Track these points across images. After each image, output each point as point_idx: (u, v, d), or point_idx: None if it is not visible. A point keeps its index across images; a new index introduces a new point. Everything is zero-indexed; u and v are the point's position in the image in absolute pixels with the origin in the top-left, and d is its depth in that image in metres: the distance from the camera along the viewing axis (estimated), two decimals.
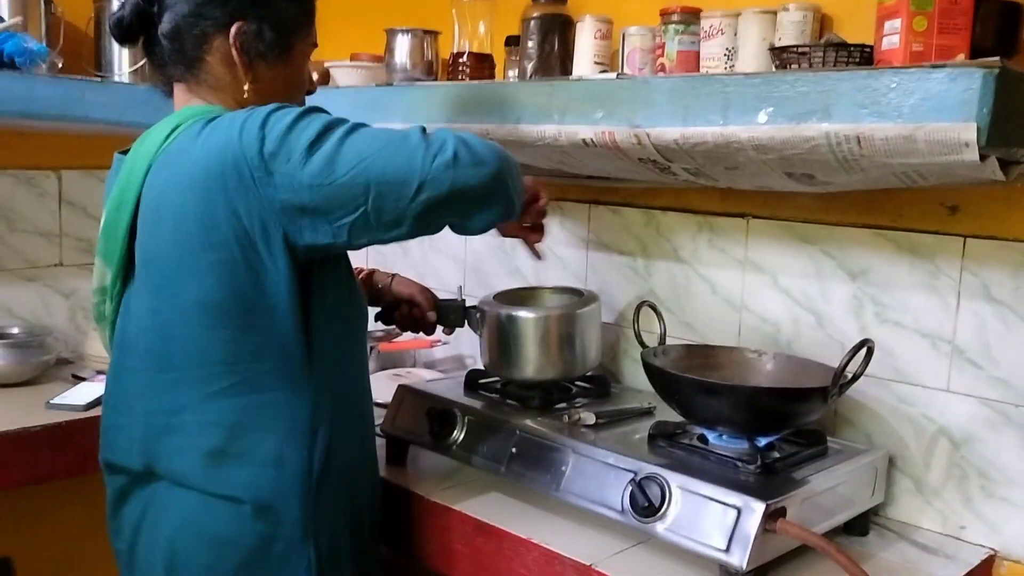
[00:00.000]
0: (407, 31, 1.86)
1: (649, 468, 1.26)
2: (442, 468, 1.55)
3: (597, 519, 1.30)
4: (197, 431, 1.20)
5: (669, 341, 1.60)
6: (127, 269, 1.25)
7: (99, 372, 1.98)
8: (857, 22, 1.42)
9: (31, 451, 1.70)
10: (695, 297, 1.69)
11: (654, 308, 1.62)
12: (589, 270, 1.87)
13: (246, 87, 1.26)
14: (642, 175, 1.49)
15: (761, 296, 1.60)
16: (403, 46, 1.86)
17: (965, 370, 1.38)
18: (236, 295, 1.16)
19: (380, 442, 1.48)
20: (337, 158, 1.10)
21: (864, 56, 1.26)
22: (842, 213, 1.50)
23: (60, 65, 1.94)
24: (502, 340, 1.55)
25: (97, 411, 1.36)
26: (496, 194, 1.18)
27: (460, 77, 1.77)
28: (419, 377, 2.00)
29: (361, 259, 2.24)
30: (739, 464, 1.27)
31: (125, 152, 1.29)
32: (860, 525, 1.38)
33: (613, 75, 1.47)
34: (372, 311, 1.54)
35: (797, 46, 1.34)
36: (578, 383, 1.65)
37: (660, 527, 1.21)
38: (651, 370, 1.40)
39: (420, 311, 1.60)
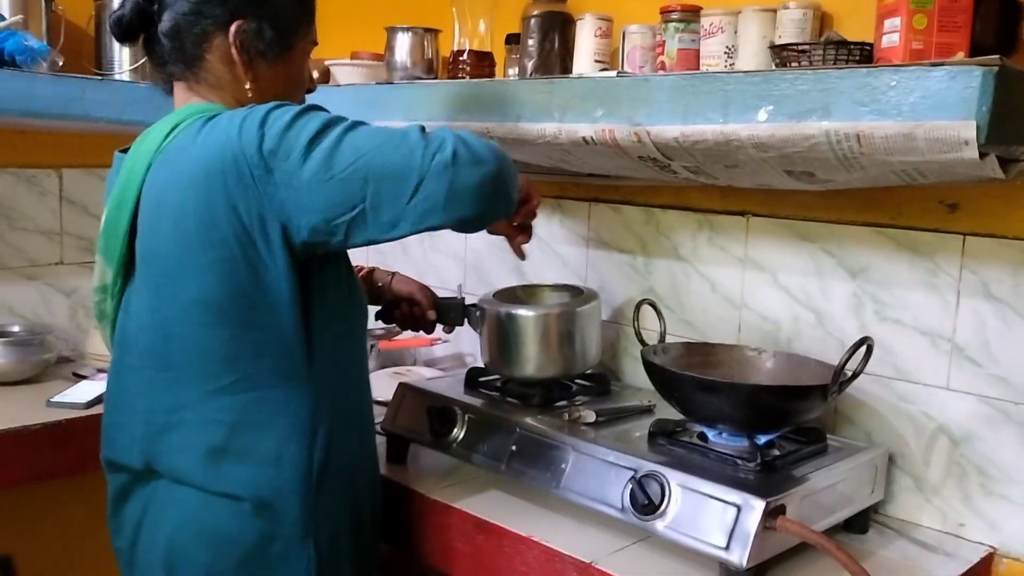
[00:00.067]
0: (407, 29, 1.86)
1: (649, 466, 1.26)
2: (442, 466, 1.55)
3: (597, 517, 1.30)
4: (197, 429, 1.20)
5: (669, 339, 1.60)
6: (128, 267, 1.25)
7: (100, 370, 1.98)
8: (857, 20, 1.42)
9: (32, 449, 1.70)
10: (695, 295, 1.70)
11: (654, 306, 1.62)
12: (589, 268, 1.87)
13: (247, 86, 1.26)
14: (642, 173, 1.49)
15: (761, 294, 1.60)
16: (403, 44, 1.86)
17: (965, 368, 1.38)
18: (236, 293, 1.16)
19: (380, 440, 1.48)
20: (336, 155, 1.11)
21: (864, 54, 1.26)
22: (842, 211, 1.50)
23: (61, 63, 1.94)
24: (502, 338, 1.55)
25: (98, 409, 1.36)
26: (494, 193, 1.18)
27: (460, 75, 1.77)
28: (419, 375, 2.00)
29: (361, 257, 2.24)
30: (739, 462, 1.27)
31: (125, 150, 1.29)
32: (860, 523, 1.38)
33: (613, 73, 1.47)
34: (372, 309, 1.54)
35: (797, 44, 1.34)
36: (578, 381, 1.65)
37: (660, 525, 1.21)
38: (651, 368, 1.40)
39: (420, 309, 1.60)
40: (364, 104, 1.70)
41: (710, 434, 1.36)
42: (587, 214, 1.86)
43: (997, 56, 0.95)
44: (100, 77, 1.99)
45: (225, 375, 1.19)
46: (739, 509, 1.16)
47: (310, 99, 1.37)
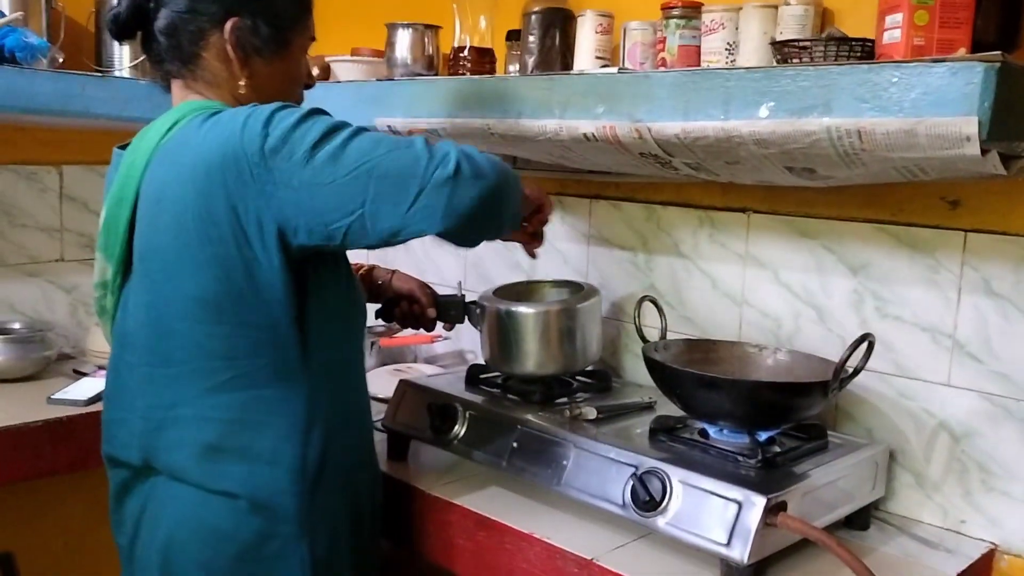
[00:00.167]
0: (408, 26, 1.85)
1: (650, 462, 1.26)
2: (443, 463, 1.55)
3: (598, 513, 1.30)
4: (193, 426, 1.20)
5: (670, 336, 1.60)
6: (127, 263, 1.25)
7: (100, 367, 1.98)
8: (858, 16, 1.42)
9: (33, 446, 1.70)
10: (696, 292, 1.70)
11: (655, 303, 1.62)
12: (590, 265, 1.87)
13: (241, 83, 1.26)
14: (643, 169, 1.49)
15: (762, 291, 1.60)
16: (404, 41, 1.86)
17: (966, 364, 1.38)
18: (231, 290, 1.16)
19: (380, 437, 1.48)
20: (340, 159, 1.11)
21: (865, 50, 1.26)
22: (843, 207, 1.50)
23: (61, 60, 1.94)
24: (502, 335, 1.55)
25: (98, 406, 1.36)
26: (492, 210, 1.19)
27: (461, 72, 1.77)
28: (420, 372, 2.00)
29: (361, 255, 2.24)
30: (740, 458, 1.27)
31: (124, 147, 1.29)
32: (861, 519, 1.38)
33: (614, 70, 1.47)
34: (372, 307, 1.54)
35: (798, 40, 1.34)
36: (579, 378, 1.65)
37: (661, 521, 1.21)
38: (652, 364, 1.40)
39: (420, 307, 1.60)
40: (365, 101, 1.70)
41: (711, 431, 1.36)
42: (588, 211, 1.86)
43: (999, 52, 0.95)
44: (100, 74, 1.99)
45: (221, 372, 1.19)
46: (740, 505, 1.16)
47: (309, 96, 1.37)
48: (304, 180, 1.11)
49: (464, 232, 1.20)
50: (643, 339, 1.55)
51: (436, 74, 1.89)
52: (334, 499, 1.26)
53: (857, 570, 1.09)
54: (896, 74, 1.01)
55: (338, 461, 1.26)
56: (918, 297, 1.42)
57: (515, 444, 1.41)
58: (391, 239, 1.15)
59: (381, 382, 1.85)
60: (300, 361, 1.21)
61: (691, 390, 1.35)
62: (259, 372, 1.20)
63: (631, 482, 1.25)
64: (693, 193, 1.68)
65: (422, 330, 1.65)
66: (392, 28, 1.87)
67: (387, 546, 1.46)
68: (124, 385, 1.27)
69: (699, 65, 1.50)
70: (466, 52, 1.78)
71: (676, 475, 1.23)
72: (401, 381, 1.64)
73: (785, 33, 1.41)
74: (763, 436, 1.32)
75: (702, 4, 1.51)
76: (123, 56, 2.04)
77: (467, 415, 1.50)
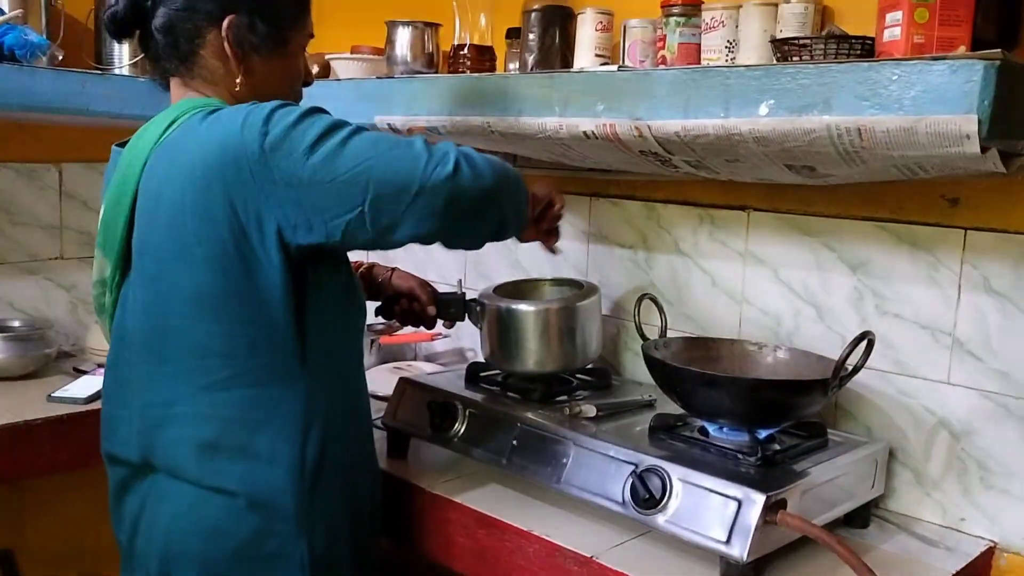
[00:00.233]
0: (408, 23, 1.85)
1: (650, 460, 1.26)
2: (443, 461, 1.55)
3: (598, 511, 1.31)
4: (192, 424, 1.20)
5: (670, 333, 1.60)
6: (126, 261, 1.25)
7: (100, 365, 1.98)
8: (858, 14, 1.42)
9: (33, 444, 1.70)
10: (696, 289, 1.70)
11: (655, 300, 1.62)
12: (590, 263, 1.87)
13: (239, 80, 1.26)
14: (643, 167, 1.49)
15: (762, 288, 1.60)
16: (404, 38, 1.86)
17: (965, 362, 1.39)
18: (230, 288, 1.16)
19: (380, 435, 1.48)
20: (340, 156, 1.11)
21: (865, 48, 1.26)
22: (843, 205, 1.50)
23: (60, 58, 1.94)
24: (502, 333, 1.55)
25: (98, 404, 1.36)
26: (489, 212, 1.20)
27: (461, 69, 1.77)
28: (420, 370, 2.00)
29: (361, 253, 2.24)
30: (740, 456, 1.27)
31: (122, 145, 1.29)
32: (860, 517, 1.38)
33: (614, 67, 1.47)
34: (372, 305, 1.54)
35: (798, 38, 1.34)
36: (579, 376, 1.65)
37: (661, 519, 1.22)
38: (652, 362, 1.40)
39: (420, 305, 1.60)
40: (364, 98, 1.70)
41: (711, 428, 1.36)
42: (588, 209, 1.86)
43: (999, 50, 0.95)
44: (100, 71, 1.99)
45: (219, 370, 1.19)
46: (740, 503, 1.16)
47: (308, 94, 1.37)
48: (303, 178, 1.11)
49: (462, 233, 1.21)
50: (643, 337, 1.55)
51: (436, 72, 1.89)
52: (333, 498, 1.26)
53: (856, 568, 1.10)
54: (896, 72, 1.01)
55: (337, 460, 1.26)
56: (918, 295, 1.42)
57: (515, 442, 1.41)
58: (390, 239, 1.15)
59: (381, 380, 1.85)
60: (299, 359, 1.21)
61: (691, 388, 1.35)
62: (258, 370, 1.20)
63: (631, 480, 1.25)
64: (693, 191, 1.68)
65: (422, 328, 1.65)
66: (392, 26, 1.87)
67: (387, 544, 1.46)
68: (123, 383, 1.27)
69: (699, 63, 1.50)
70: (466, 50, 1.78)
71: (676, 473, 1.23)
72: (401, 379, 1.64)
73: (785, 31, 1.41)
74: (763, 434, 1.32)
75: (702, 2, 1.51)
76: (123, 54, 2.04)
77: (467, 413, 1.50)
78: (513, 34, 1.82)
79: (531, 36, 1.70)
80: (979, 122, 0.96)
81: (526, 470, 1.38)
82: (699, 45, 1.50)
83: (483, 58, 1.79)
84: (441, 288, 1.64)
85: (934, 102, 0.98)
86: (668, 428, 1.38)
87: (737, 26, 1.46)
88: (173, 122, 1.21)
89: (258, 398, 1.20)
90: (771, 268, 1.59)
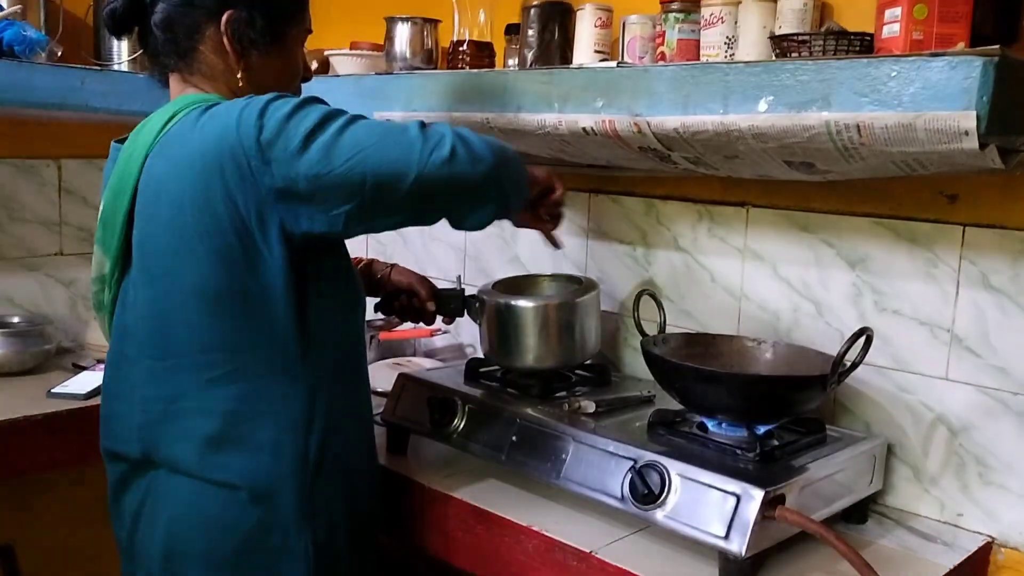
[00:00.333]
0: (407, 19, 1.85)
1: (649, 456, 1.26)
2: (443, 456, 1.55)
3: (597, 507, 1.31)
4: (195, 418, 1.20)
5: (669, 329, 1.61)
6: (125, 257, 1.25)
7: (99, 361, 1.98)
8: (857, 10, 1.42)
9: (32, 440, 1.70)
10: (695, 285, 1.70)
11: (654, 296, 1.62)
12: (589, 259, 1.87)
13: (239, 75, 1.26)
14: (642, 164, 1.49)
15: (760, 285, 1.61)
16: (403, 34, 1.86)
17: (963, 358, 1.39)
18: (232, 283, 1.16)
19: (380, 430, 1.49)
20: (335, 148, 1.11)
21: (864, 44, 1.26)
22: (841, 202, 1.50)
23: (59, 53, 1.94)
24: (501, 329, 1.55)
25: (98, 400, 1.36)
26: (490, 192, 1.19)
27: (460, 66, 1.77)
28: (419, 366, 2.00)
29: (360, 248, 2.24)
30: (738, 452, 1.28)
31: (121, 141, 1.29)
32: (859, 512, 1.39)
33: (613, 64, 1.47)
34: (371, 301, 1.54)
35: (797, 34, 1.34)
36: (578, 371, 1.65)
37: (660, 514, 1.22)
38: (651, 358, 1.41)
39: (419, 301, 1.60)
40: (363, 94, 1.70)
41: (710, 424, 1.36)
42: (587, 205, 1.86)
43: (997, 46, 0.95)
44: (99, 67, 1.99)
45: (223, 364, 1.19)
46: (738, 499, 1.16)
47: (307, 89, 1.37)
48: (300, 173, 1.11)
49: (465, 214, 1.21)
50: (642, 333, 1.55)
51: (435, 68, 1.89)
52: (335, 490, 1.26)
53: (855, 563, 1.10)
54: (895, 68, 1.01)
55: (339, 452, 1.26)
56: (916, 291, 1.43)
57: (514, 438, 1.41)
58: (392, 225, 1.16)
59: (380, 376, 1.85)
60: (301, 353, 1.21)
61: (690, 384, 1.35)
62: (259, 364, 1.20)
63: (630, 475, 1.25)
64: (692, 187, 1.68)
65: (421, 324, 1.66)
66: (391, 22, 1.87)
67: (386, 539, 1.47)
68: (124, 378, 1.27)
69: (698, 59, 1.50)
70: (465, 46, 1.78)
71: (675, 468, 1.23)
72: (400, 375, 1.64)
73: (784, 27, 1.41)
74: (761, 430, 1.32)
75: None
76: (122, 50, 2.04)
77: (466, 409, 1.50)
78: (512, 30, 1.82)
79: (530, 32, 1.70)
80: (978, 118, 0.96)
81: (525, 466, 1.39)
82: (698, 41, 1.50)
83: (482, 54, 1.79)
84: (440, 284, 1.64)
85: (933, 98, 0.98)
86: (667, 424, 1.38)
87: (736, 22, 1.46)
88: (172, 118, 1.21)
89: (260, 391, 1.20)
90: (770, 264, 1.59)
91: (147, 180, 1.20)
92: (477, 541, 1.37)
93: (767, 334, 1.57)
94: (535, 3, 1.68)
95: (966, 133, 0.97)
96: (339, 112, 1.15)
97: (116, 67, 2.03)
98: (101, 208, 1.27)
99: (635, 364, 1.75)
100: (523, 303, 1.54)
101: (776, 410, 1.34)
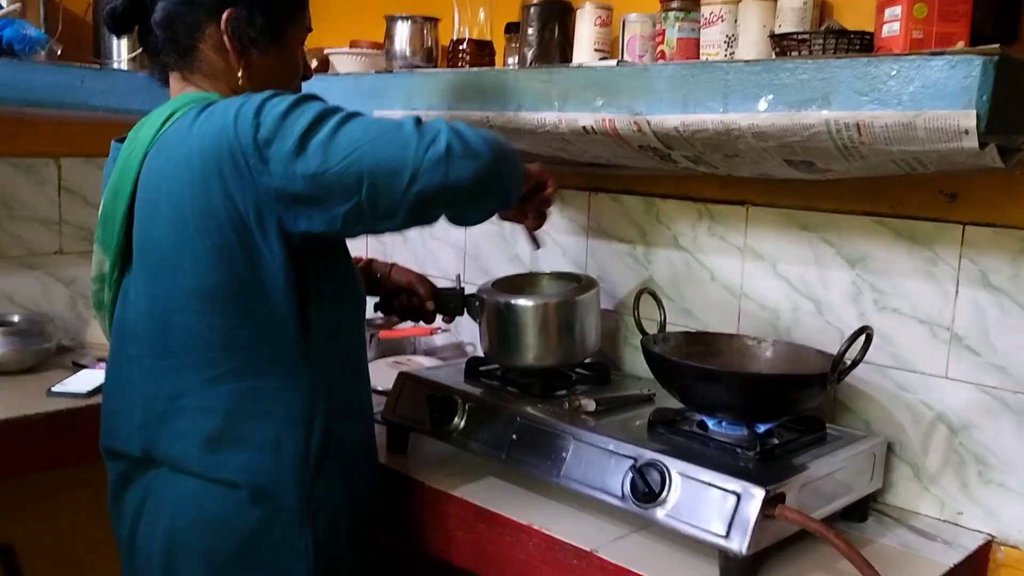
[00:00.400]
0: (407, 18, 1.85)
1: (649, 454, 1.26)
2: (443, 455, 1.55)
3: (597, 505, 1.31)
4: (196, 416, 1.21)
5: (669, 328, 1.61)
6: (125, 256, 1.25)
7: (100, 359, 1.98)
8: (857, 9, 1.42)
9: (32, 439, 1.70)
10: (695, 284, 1.70)
11: (654, 295, 1.62)
12: (589, 257, 1.87)
13: (239, 74, 1.26)
14: (642, 162, 1.49)
15: (760, 283, 1.61)
16: (403, 33, 1.86)
17: (963, 357, 1.39)
18: (232, 281, 1.16)
19: (380, 429, 1.49)
20: (331, 147, 1.10)
21: (864, 43, 1.26)
22: (841, 200, 1.50)
23: (59, 52, 1.94)
24: (501, 328, 1.55)
25: (98, 399, 1.37)
26: (489, 187, 1.18)
27: (460, 64, 1.77)
28: (419, 364, 2.01)
29: (360, 248, 2.24)
30: (738, 450, 1.28)
31: (121, 140, 1.29)
32: (859, 511, 1.39)
33: (613, 62, 1.47)
34: (371, 300, 1.54)
35: (797, 33, 1.34)
36: (578, 370, 1.65)
37: (660, 513, 1.22)
38: (651, 357, 1.41)
39: (419, 300, 1.60)
40: (363, 93, 1.70)
41: (710, 423, 1.36)
42: (587, 203, 1.86)
43: (997, 45, 0.95)
44: (99, 66, 1.99)
45: (223, 363, 1.19)
46: (739, 497, 1.16)
47: (307, 88, 1.37)
48: (298, 171, 1.10)
49: (465, 210, 1.20)
50: (642, 331, 1.55)
51: (435, 66, 1.89)
52: (335, 487, 1.26)
53: (855, 561, 1.10)
54: (895, 67, 1.01)
55: (340, 449, 1.26)
56: (916, 290, 1.43)
57: (514, 436, 1.41)
58: (391, 225, 1.16)
59: (380, 374, 1.85)
60: (301, 351, 1.21)
61: (690, 382, 1.35)
62: (260, 362, 1.20)
63: (630, 474, 1.25)
64: (692, 186, 1.68)
65: (421, 323, 1.66)
66: (391, 20, 1.87)
67: (386, 538, 1.47)
68: (124, 377, 1.27)
69: (698, 58, 1.50)
70: (465, 44, 1.78)
71: (675, 467, 1.23)
72: (400, 373, 1.64)
73: (784, 26, 1.41)
74: (761, 428, 1.33)
75: None
76: (122, 48, 2.04)
77: (466, 407, 1.50)
78: (512, 29, 1.82)
79: (530, 31, 1.70)
80: (978, 117, 0.96)
81: (525, 464, 1.39)
82: (698, 40, 1.50)
83: (482, 53, 1.79)
84: (440, 283, 1.65)
85: (933, 97, 0.98)
86: (667, 422, 1.38)
87: (736, 21, 1.46)
88: (170, 116, 1.21)
89: (261, 390, 1.20)
90: (770, 263, 1.59)
91: (146, 179, 1.20)
92: (477, 540, 1.37)
93: (767, 333, 1.57)
94: (535, 2, 1.68)
95: (966, 132, 0.97)
96: (334, 109, 1.14)
97: (116, 65, 2.03)
98: (101, 207, 1.27)
99: (635, 363, 1.75)
100: (523, 302, 1.54)
101: (776, 409, 1.34)
